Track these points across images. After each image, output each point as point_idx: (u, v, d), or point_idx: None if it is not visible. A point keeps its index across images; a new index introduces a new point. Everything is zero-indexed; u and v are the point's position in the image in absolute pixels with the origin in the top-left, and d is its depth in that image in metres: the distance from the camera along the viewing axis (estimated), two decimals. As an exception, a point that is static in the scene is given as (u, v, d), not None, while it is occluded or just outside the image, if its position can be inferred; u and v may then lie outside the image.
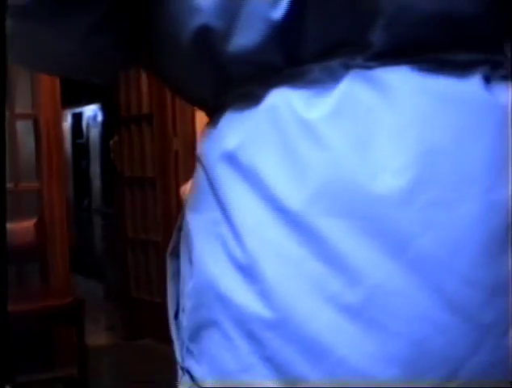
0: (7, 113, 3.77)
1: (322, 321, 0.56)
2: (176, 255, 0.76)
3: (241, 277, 0.60)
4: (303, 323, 0.56)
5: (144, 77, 4.71)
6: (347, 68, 0.60)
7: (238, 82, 0.65)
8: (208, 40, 0.62)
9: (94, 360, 4.02)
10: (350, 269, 0.56)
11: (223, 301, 0.61)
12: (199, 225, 0.66)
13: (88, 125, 7.34)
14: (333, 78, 0.60)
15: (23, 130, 4.04)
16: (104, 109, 6.89)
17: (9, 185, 3.81)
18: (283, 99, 0.61)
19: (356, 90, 0.59)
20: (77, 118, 7.51)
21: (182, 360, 0.69)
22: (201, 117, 4.52)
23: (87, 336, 3.75)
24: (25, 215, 3.89)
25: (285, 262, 0.58)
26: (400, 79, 0.59)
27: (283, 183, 0.59)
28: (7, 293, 3.06)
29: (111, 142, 5.56)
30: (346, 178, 0.57)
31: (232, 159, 0.63)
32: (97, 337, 4.68)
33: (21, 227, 3.80)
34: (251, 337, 0.59)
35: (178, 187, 3.54)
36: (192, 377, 0.66)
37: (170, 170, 4.49)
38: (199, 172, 0.70)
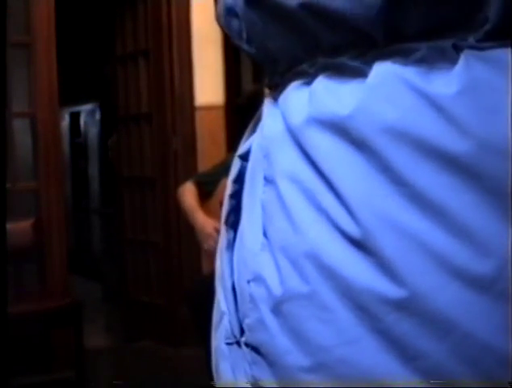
0: (4, 112, 3.75)
1: (448, 296, 0.55)
2: (231, 224, 0.74)
3: (352, 250, 0.58)
4: (427, 298, 0.56)
5: (143, 76, 4.69)
6: (459, 49, 0.58)
7: (329, 51, 0.63)
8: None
9: (92, 361, 4.01)
10: (478, 241, 0.55)
11: (327, 271, 0.59)
12: (294, 194, 0.63)
13: (86, 124, 7.32)
14: (446, 58, 0.58)
15: (20, 129, 4.03)
16: (102, 108, 6.87)
17: (6, 185, 3.78)
18: (393, 72, 0.59)
19: (475, 69, 0.58)
20: (75, 117, 7.49)
21: (241, 334, 0.68)
22: (201, 117, 4.52)
23: (85, 338, 3.74)
24: (22, 215, 3.88)
25: (405, 235, 0.57)
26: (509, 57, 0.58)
27: (402, 156, 0.58)
28: (7, 295, 3.04)
29: (109, 142, 5.53)
30: (472, 151, 0.56)
31: (340, 129, 0.60)
32: (95, 339, 4.66)
33: (18, 227, 3.78)
34: (361, 309, 0.57)
35: (177, 187, 3.52)
36: (258, 351, 0.64)
37: (170, 170, 4.47)
38: (286, 144, 0.66)
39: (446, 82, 0.58)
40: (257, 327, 0.65)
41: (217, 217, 3.51)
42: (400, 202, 0.57)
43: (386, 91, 0.59)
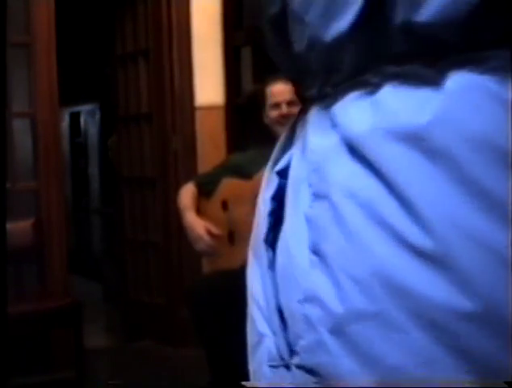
0: (4, 112, 3.75)
1: None
2: (270, 243, 0.72)
3: (424, 264, 0.56)
4: (506, 314, 0.54)
5: (143, 76, 4.68)
6: None
7: (397, 59, 0.61)
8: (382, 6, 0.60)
9: (92, 362, 4.00)
10: None
11: (397, 290, 0.57)
12: (353, 209, 0.61)
13: (86, 124, 7.32)
14: None
15: (20, 129, 4.02)
16: (102, 108, 6.86)
17: (6, 185, 3.78)
18: (475, 82, 0.58)
19: None
20: (75, 117, 7.49)
21: (291, 356, 0.65)
22: (201, 117, 4.51)
23: (85, 338, 3.74)
24: (22, 215, 3.88)
25: (483, 248, 0.55)
26: None
27: (484, 166, 0.56)
28: (7, 295, 3.03)
29: (109, 142, 5.53)
30: None
31: (414, 138, 0.58)
32: (95, 339, 4.65)
33: (18, 228, 3.78)
34: (436, 328, 0.56)
35: (177, 187, 3.51)
36: (314, 373, 0.62)
37: (170, 170, 4.46)
38: (334, 152, 0.64)
39: None
40: (315, 349, 0.62)
41: (217, 217, 3.50)
42: (479, 214, 0.55)
43: (468, 99, 0.57)
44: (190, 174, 3.93)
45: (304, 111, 0.74)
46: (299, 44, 0.68)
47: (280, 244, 0.70)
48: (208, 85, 4.50)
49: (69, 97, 6.32)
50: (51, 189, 4.04)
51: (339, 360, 0.60)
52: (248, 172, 3.01)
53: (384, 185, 0.59)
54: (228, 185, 3.11)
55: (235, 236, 3.03)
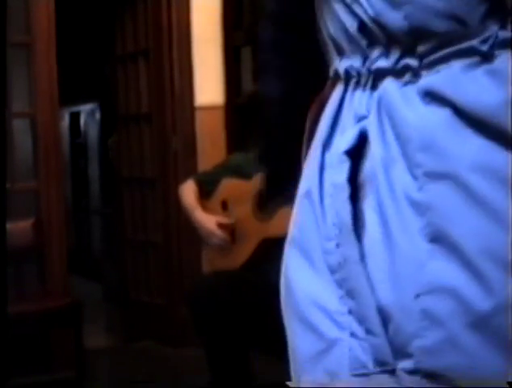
0: (4, 112, 3.75)
1: None
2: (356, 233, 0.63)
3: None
4: None
5: (143, 76, 4.68)
6: None
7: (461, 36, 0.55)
8: None
9: (92, 362, 4.00)
10: None
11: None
12: (489, 185, 0.54)
13: (86, 124, 7.31)
14: None
15: (20, 129, 4.02)
16: (102, 108, 6.86)
17: (6, 185, 3.77)
18: None
19: None
20: (75, 117, 7.49)
21: (400, 358, 0.58)
22: (201, 117, 4.51)
23: (85, 338, 3.73)
24: (22, 215, 3.87)
25: None
26: None
27: None
28: (7, 295, 3.03)
29: (109, 142, 5.53)
30: None
31: None
32: (95, 339, 4.65)
33: (18, 228, 3.77)
34: None
35: (177, 187, 3.51)
36: (438, 377, 0.55)
37: (170, 170, 4.46)
38: (451, 128, 0.57)
39: None
40: (442, 348, 0.54)
41: (217, 217, 3.47)
42: None
43: None
44: (190, 174, 3.92)
45: (344, 90, 0.67)
46: (379, 4, 0.59)
47: (371, 237, 0.62)
48: (208, 85, 4.50)
49: (69, 97, 6.31)
50: (51, 189, 4.04)
51: (477, 360, 0.53)
52: (248, 172, 3.01)
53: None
54: (228, 185, 3.11)
55: (235, 236, 3.03)
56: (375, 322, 0.60)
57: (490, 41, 0.54)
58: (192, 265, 4.31)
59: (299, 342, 0.67)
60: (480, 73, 0.54)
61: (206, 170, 3.53)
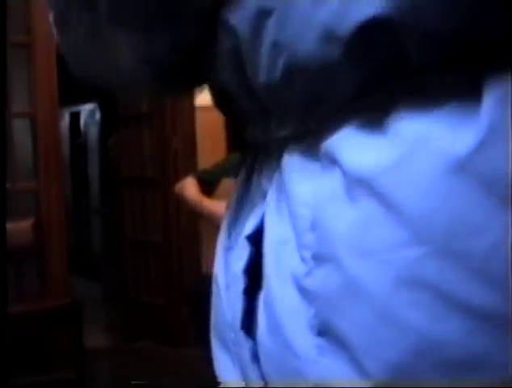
0: (4, 112, 3.75)
1: None
2: (247, 329, 0.57)
3: (488, 330, 0.44)
4: None
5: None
6: None
7: (420, 68, 0.47)
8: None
9: (92, 362, 4.00)
10: None
11: (452, 368, 0.45)
12: (375, 270, 0.46)
13: (86, 124, 7.32)
14: None
15: (20, 129, 4.02)
16: (102, 108, 6.86)
17: (6, 185, 3.77)
18: None
19: None
20: (75, 117, 7.49)
21: None
22: (201, 117, 4.51)
23: (85, 338, 3.73)
24: (22, 215, 3.87)
25: None
26: None
27: None
28: (7, 295, 3.03)
29: (109, 142, 5.53)
30: None
31: (468, 167, 0.44)
32: (95, 339, 4.65)
33: (18, 228, 3.77)
34: None
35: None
36: None
37: (170, 170, 4.46)
38: (338, 201, 0.48)
39: None
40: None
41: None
42: None
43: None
44: (190, 174, 3.93)
45: (254, 159, 0.59)
46: (268, 75, 0.52)
47: (261, 333, 0.54)
48: (208, 85, 4.50)
49: (69, 97, 6.32)
50: (51, 189, 4.04)
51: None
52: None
53: (413, 234, 0.45)
54: (228, 185, 3.11)
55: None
56: None
57: (387, 94, 0.48)
58: (192, 265, 4.31)
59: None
60: (374, 133, 0.47)
61: (206, 168, 3.53)
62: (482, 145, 0.44)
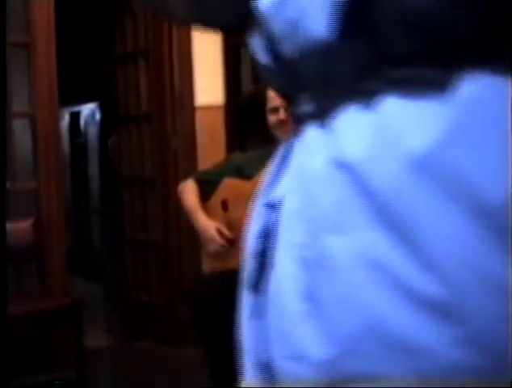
0: (4, 112, 3.75)
1: None
2: (255, 287, 0.59)
3: (431, 317, 0.45)
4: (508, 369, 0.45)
5: (143, 76, 4.68)
6: None
7: (400, 61, 0.48)
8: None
9: (92, 362, 4.00)
10: None
11: (397, 348, 0.46)
12: (346, 251, 0.50)
13: (86, 124, 7.31)
14: None
15: (19, 129, 4.02)
16: (102, 108, 6.86)
17: (6, 185, 3.77)
18: (489, 88, 0.46)
19: None
20: (75, 117, 7.49)
21: None
22: (201, 117, 4.51)
23: (85, 338, 3.73)
24: (22, 215, 3.87)
25: (501, 298, 0.44)
26: None
27: (503, 195, 0.45)
28: (7, 295, 3.03)
29: (109, 142, 5.52)
30: None
31: (424, 164, 0.47)
32: (95, 339, 4.65)
33: (18, 227, 3.77)
34: None
35: (177, 187, 3.51)
36: None
37: (170, 170, 4.46)
38: (333, 184, 0.52)
39: None
40: None
41: (217, 218, 3.51)
42: (497, 255, 0.44)
43: (485, 110, 0.46)
44: (190, 174, 3.92)
45: (298, 133, 0.61)
46: (291, 52, 0.55)
47: (271, 290, 0.57)
48: (208, 85, 4.50)
49: (69, 97, 6.32)
50: (51, 189, 4.04)
51: None
52: (248, 173, 3.01)
53: (382, 220, 0.48)
54: (229, 185, 3.11)
55: (235, 236, 3.03)
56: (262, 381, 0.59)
57: (380, 81, 0.50)
58: (192, 265, 4.31)
59: None
60: (363, 118, 0.50)
61: (206, 169, 3.53)
62: (442, 145, 0.46)
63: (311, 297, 0.52)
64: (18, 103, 3.98)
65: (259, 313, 0.58)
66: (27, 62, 4.02)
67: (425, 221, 0.47)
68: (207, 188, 3.20)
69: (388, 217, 0.48)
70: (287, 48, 0.55)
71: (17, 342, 3.72)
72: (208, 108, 4.49)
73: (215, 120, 4.50)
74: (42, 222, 3.96)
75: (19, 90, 3.99)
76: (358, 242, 0.49)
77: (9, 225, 3.46)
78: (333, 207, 0.51)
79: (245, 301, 0.61)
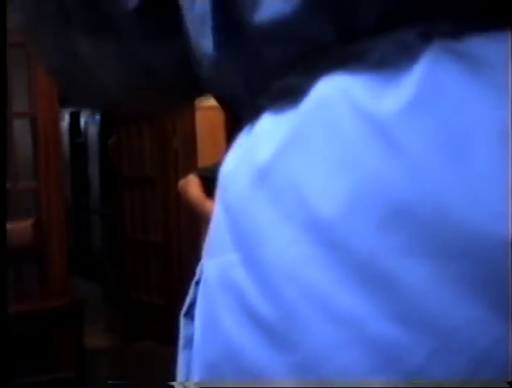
0: (4, 112, 3.75)
1: None
2: (191, 316, 0.56)
3: (269, 343, 0.42)
4: None
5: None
6: (428, 39, 0.40)
7: (277, 73, 0.46)
8: (232, 8, 0.45)
9: (92, 362, 4.00)
10: (442, 334, 0.38)
11: (246, 371, 0.44)
12: (213, 272, 0.49)
13: (86, 124, 7.31)
14: (408, 56, 0.40)
15: (20, 129, 4.02)
16: (102, 108, 6.86)
17: (6, 185, 3.78)
18: (338, 89, 0.42)
19: (442, 71, 0.40)
20: (75, 117, 7.49)
21: None
22: (201, 117, 4.51)
23: (85, 338, 3.73)
24: (23, 215, 3.87)
25: (338, 321, 0.40)
26: (502, 54, 0.39)
27: (337, 206, 0.41)
28: (7, 295, 3.03)
29: (109, 141, 5.53)
30: (431, 200, 0.38)
31: (264, 176, 0.45)
32: (95, 339, 4.65)
33: (19, 227, 3.77)
34: None
35: (177, 187, 3.51)
36: None
37: (170, 170, 4.46)
38: (216, 205, 0.53)
39: (396, 94, 0.41)
40: None
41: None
42: (334, 273, 0.40)
43: (322, 119, 0.43)
44: (191, 173, 3.93)
45: None
46: (207, 71, 0.53)
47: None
48: (208, 85, 4.50)
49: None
50: (51, 189, 4.04)
51: None
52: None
53: (234, 238, 0.47)
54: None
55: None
56: None
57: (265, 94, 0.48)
58: (192, 265, 4.31)
59: None
60: (244, 134, 0.51)
61: (207, 166, 3.53)
62: (279, 155, 0.44)
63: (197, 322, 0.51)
64: (18, 103, 3.99)
65: (191, 341, 0.54)
66: (27, 62, 4.02)
67: (264, 235, 0.44)
68: (207, 186, 3.20)
69: (237, 234, 0.47)
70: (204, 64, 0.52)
71: (17, 342, 3.72)
72: (208, 108, 4.49)
73: (215, 120, 4.50)
74: (42, 222, 3.96)
75: (19, 90, 3.99)
76: (218, 264, 0.48)
77: (9, 225, 3.46)
78: (212, 229, 0.52)
79: (182, 330, 0.57)
